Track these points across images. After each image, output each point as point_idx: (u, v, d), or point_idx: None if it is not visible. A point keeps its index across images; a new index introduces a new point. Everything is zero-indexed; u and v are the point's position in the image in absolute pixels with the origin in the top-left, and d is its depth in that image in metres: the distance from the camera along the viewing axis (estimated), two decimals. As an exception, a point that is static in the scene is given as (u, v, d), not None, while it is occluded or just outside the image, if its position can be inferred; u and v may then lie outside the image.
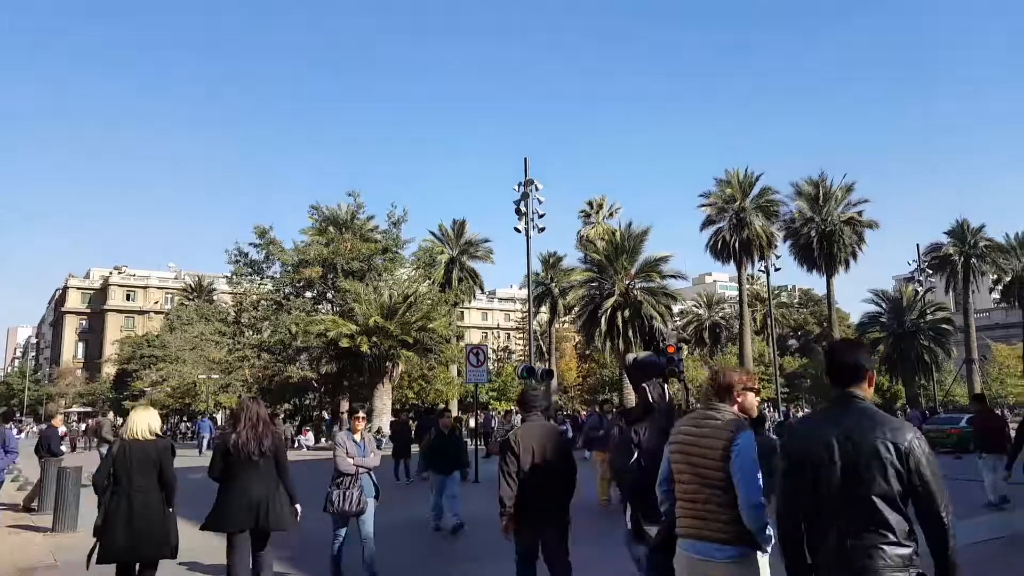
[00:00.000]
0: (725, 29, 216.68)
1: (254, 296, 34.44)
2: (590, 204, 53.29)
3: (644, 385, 4.98)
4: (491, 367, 67.59)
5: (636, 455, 4.87)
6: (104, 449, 14.25)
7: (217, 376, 38.06)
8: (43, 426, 22.45)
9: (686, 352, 41.37)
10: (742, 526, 3.28)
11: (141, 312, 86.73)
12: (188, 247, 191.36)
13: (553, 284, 52.72)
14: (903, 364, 54.16)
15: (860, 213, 47.77)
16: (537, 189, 30.51)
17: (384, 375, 29.87)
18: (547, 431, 5.69)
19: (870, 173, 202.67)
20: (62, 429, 21.85)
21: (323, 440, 35.14)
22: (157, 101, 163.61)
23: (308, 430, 33.98)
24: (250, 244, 34.11)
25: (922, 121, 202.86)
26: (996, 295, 68.10)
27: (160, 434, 6.16)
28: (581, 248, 45.87)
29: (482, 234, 54.57)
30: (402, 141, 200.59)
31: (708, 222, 46.71)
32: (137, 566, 5.92)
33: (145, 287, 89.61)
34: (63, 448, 17.16)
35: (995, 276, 59.86)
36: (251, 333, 33.21)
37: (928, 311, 53.45)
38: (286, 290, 34.61)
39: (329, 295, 34.54)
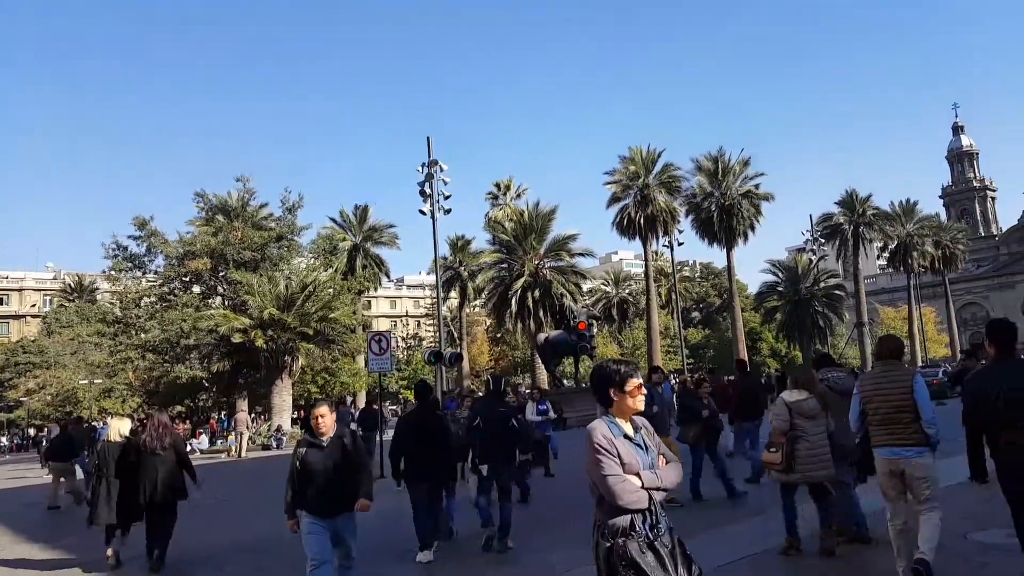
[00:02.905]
0: (632, 9, 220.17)
1: (135, 293, 31.77)
2: (497, 186, 52.56)
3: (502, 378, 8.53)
4: (401, 355, 66.09)
5: (477, 421, 8.53)
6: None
7: (99, 381, 35.08)
8: None
9: (596, 329, 41.29)
10: (923, 433, 5.51)
11: (17, 316, 80.00)
12: (68, 246, 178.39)
13: (462, 268, 51.73)
14: (799, 330, 56.47)
15: (757, 186, 48.95)
16: (442, 170, 29.36)
17: (283, 370, 28.07)
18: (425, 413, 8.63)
19: (765, 147, 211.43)
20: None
21: (218, 442, 32.93)
22: (28, 92, 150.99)
23: (202, 432, 31.81)
24: (129, 237, 31.46)
25: (810, 95, 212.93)
26: (882, 261, 72.02)
27: (129, 437, 9.20)
28: (489, 230, 45.04)
29: (386, 219, 53.04)
30: (298, 126, 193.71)
31: (614, 199, 46.82)
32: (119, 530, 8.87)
33: (20, 289, 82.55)
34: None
35: (881, 243, 63.18)
36: (136, 332, 30.58)
37: (821, 278, 55.79)
38: (172, 285, 32.10)
39: (220, 288, 32.27)
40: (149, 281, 33.46)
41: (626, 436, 3.27)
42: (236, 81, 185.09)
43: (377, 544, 8.58)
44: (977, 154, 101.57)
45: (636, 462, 3.20)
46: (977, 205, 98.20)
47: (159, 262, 32.28)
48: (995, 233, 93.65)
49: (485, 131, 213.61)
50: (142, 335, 30.36)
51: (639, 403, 3.37)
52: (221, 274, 31.37)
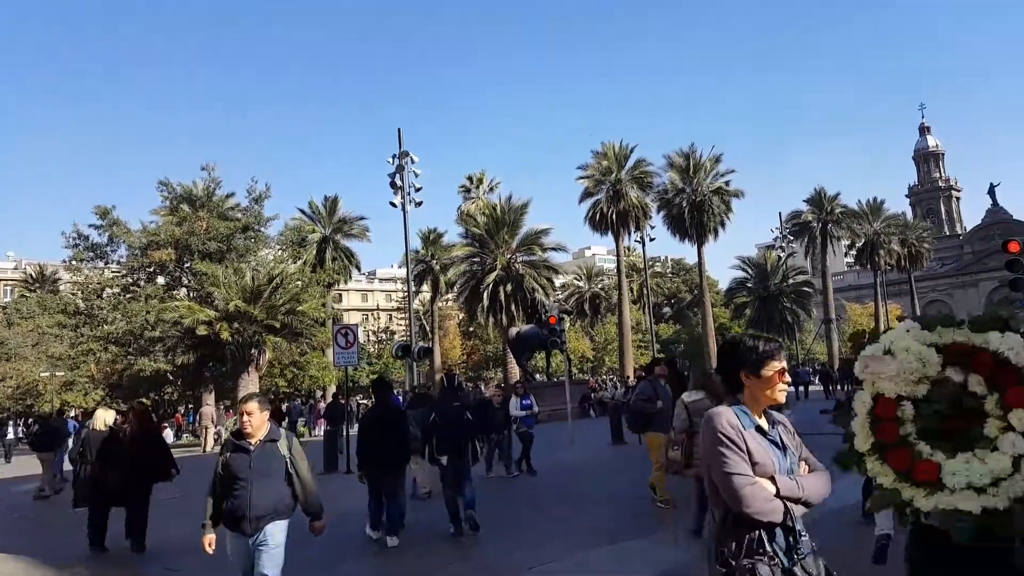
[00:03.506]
0: (608, 6, 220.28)
1: (97, 283, 30.99)
2: (470, 179, 52.31)
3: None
4: (372, 349, 65.57)
5: (434, 416, 9.16)
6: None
7: (61, 373, 34.22)
8: None
9: (568, 323, 41.31)
10: None
11: (-24, 307, 77.88)
12: (31, 235, 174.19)
13: (434, 261, 51.40)
14: (768, 326, 57.05)
15: (728, 183, 49.30)
16: (413, 162, 29.12)
17: (249, 363, 27.53)
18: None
19: (736, 145, 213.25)
20: None
21: (184, 436, 32.41)
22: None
23: (166, 426, 31.19)
24: (91, 226, 30.64)
25: (782, 94, 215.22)
26: (850, 259, 73.07)
27: (112, 427, 9.84)
28: (462, 223, 44.86)
29: (357, 212, 52.43)
30: (267, 117, 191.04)
31: (586, 194, 46.90)
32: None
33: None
34: None
35: (849, 240, 64.12)
36: (98, 324, 29.82)
37: (790, 275, 56.43)
38: (135, 276, 31.35)
39: (185, 279, 31.59)
40: (112, 272, 32.69)
41: (759, 429, 2.62)
42: (203, 71, 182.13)
43: (341, 537, 8.68)
44: (943, 154, 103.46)
45: (771, 463, 2.55)
46: (942, 205, 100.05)
47: (122, 252, 31.54)
48: (959, 232, 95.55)
49: (458, 124, 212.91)
50: (104, 327, 29.60)
51: (779, 394, 2.68)
52: (186, 265, 30.72)
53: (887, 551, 5.96)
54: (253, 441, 4.99)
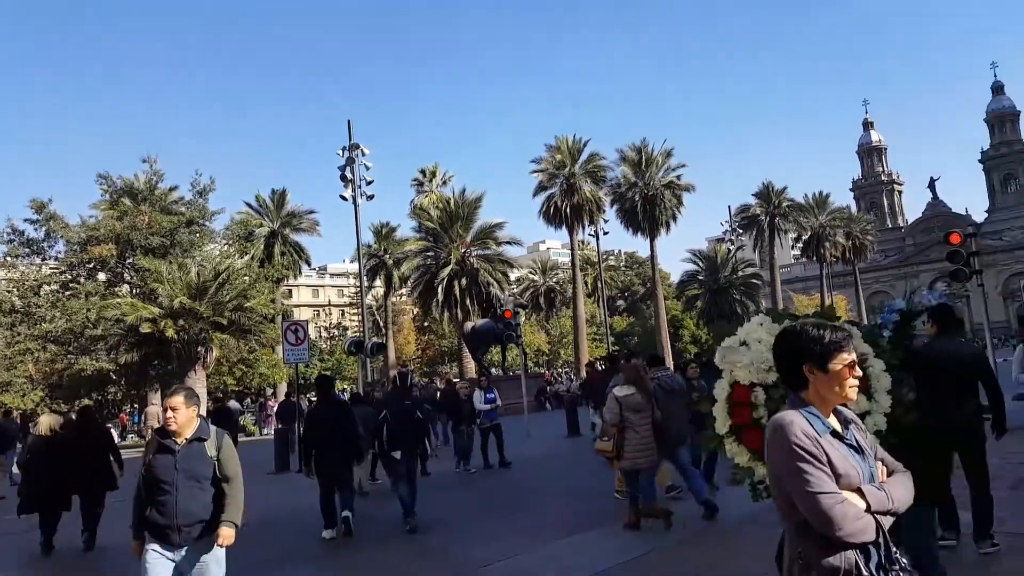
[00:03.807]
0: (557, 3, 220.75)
1: (34, 280, 29.80)
2: (423, 172, 51.80)
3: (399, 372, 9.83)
4: (324, 346, 64.56)
5: (384, 413, 9.28)
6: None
7: (-4, 375, 32.78)
8: None
9: (523, 317, 41.28)
10: None
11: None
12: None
13: (387, 256, 50.77)
14: (719, 317, 58.08)
15: (679, 177, 49.89)
16: (364, 154, 28.67)
17: (196, 361, 26.72)
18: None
19: (688, 139, 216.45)
20: None
21: (129, 437, 31.37)
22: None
23: (111, 427, 30.13)
24: (26, 221, 29.43)
25: (732, 90, 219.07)
26: (797, 251, 74.88)
27: (58, 431, 9.62)
28: (415, 217, 44.32)
29: (307, 205, 51.54)
30: (212, 109, 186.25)
31: (540, 188, 46.87)
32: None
33: (-94, 277, 76.63)
34: None
35: (796, 233, 65.64)
36: (36, 323, 28.64)
37: (739, 268, 57.50)
38: (75, 272, 30.20)
39: (127, 276, 30.50)
40: (50, 268, 31.48)
41: (834, 433, 2.26)
42: (142, 62, 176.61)
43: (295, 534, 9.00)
44: (885, 149, 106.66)
45: (855, 472, 2.19)
46: (885, 198, 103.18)
47: (60, 248, 30.37)
48: (901, 225, 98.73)
49: (410, 118, 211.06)
50: (43, 325, 28.45)
51: (851, 390, 2.31)
52: (128, 261, 29.66)
53: None
54: (179, 440, 4.48)
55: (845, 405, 2.36)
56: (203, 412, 25.47)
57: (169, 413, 4.47)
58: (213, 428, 4.73)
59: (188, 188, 31.10)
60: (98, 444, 9.78)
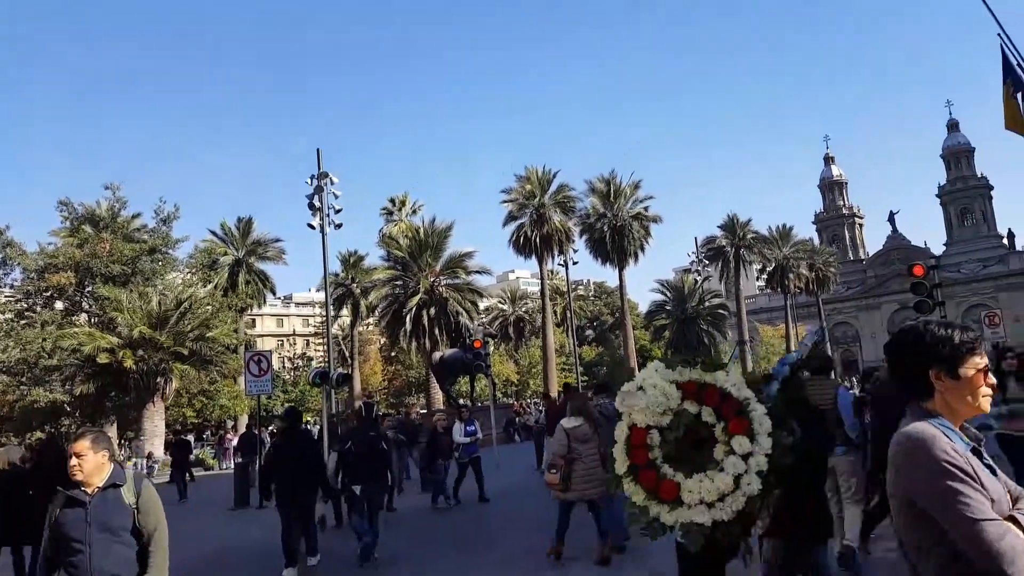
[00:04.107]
0: (523, 30, 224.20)
1: (-14, 309, 29.01)
2: (392, 201, 51.57)
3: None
4: (288, 376, 63.47)
5: (349, 445, 9.34)
6: None
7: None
8: None
9: (492, 347, 41.06)
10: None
11: None
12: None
13: (354, 285, 50.26)
14: (686, 347, 58.44)
15: (647, 208, 50.43)
16: (332, 183, 28.46)
17: (155, 393, 26.09)
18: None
19: (654, 172, 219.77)
20: None
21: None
22: None
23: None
24: (-21, 247, 28.66)
25: (700, 125, 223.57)
26: (761, 282, 76.01)
27: (16, 463, 9.31)
28: (383, 246, 44.04)
29: (273, 233, 50.89)
30: (176, 135, 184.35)
31: (510, 218, 47.00)
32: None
33: None
34: None
35: (760, 264, 66.64)
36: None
37: (706, 298, 58.08)
38: (30, 300, 29.39)
39: (86, 304, 29.80)
40: (5, 296, 30.64)
41: (975, 452, 1.93)
42: (105, 87, 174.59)
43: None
44: (846, 183, 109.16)
45: (1004, 499, 1.87)
46: (846, 231, 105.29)
47: (16, 275, 29.61)
48: (863, 257, 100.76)
49: (380, 147, 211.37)
50: (-6, 356, 27.60)
51: (984, 401, 2.01)
52: (87, 289, 29.04)
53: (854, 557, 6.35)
54: (89, 489, 3.83)
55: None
56: (160, 446, 24.78)
57: (73, 460, 3.81)
58: (130, 472, 4.14)
59: (152, 216, 30.65)
60: (53, 479, 9.35)
